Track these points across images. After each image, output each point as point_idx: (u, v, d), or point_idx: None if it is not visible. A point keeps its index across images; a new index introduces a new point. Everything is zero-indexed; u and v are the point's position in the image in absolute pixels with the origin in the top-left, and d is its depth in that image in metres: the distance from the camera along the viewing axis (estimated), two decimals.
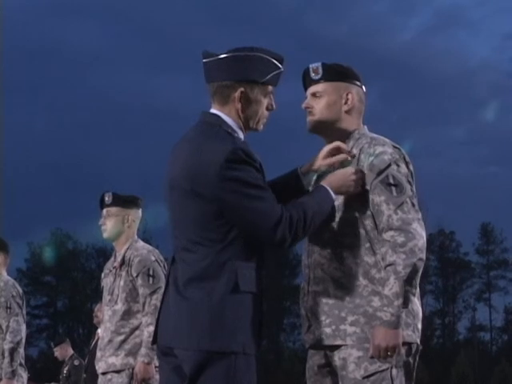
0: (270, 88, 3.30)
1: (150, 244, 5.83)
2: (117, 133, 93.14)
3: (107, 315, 5.51)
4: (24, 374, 6.66)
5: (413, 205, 3.37)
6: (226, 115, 3.26)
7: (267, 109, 3.32)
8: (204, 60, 3.28)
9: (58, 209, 76.74)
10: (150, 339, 5.04)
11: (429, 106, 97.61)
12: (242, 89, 3.24)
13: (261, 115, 3.30)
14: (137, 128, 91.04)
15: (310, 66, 3.57)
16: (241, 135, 3.27)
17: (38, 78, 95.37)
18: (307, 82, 3.60)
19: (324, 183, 3.35)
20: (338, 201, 3.41)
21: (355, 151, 3.48)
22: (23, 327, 6.62)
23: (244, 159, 3.12)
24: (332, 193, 3.31)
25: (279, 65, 3.29)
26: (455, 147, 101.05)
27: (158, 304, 3.43)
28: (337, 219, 3.42)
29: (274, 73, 3.28)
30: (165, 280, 3.32)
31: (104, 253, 53.31)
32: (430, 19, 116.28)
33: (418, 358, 3.48)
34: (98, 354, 5.53)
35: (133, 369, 5.33)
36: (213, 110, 3.29)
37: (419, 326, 3.43)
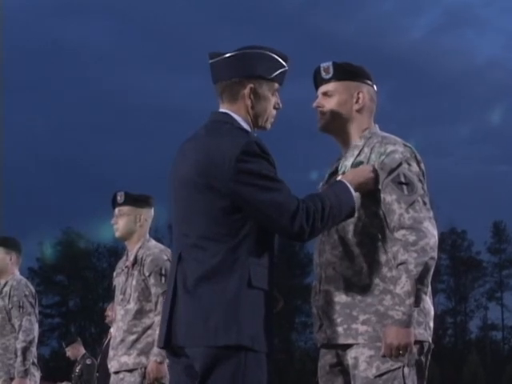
0: (277, 86, 3.30)
1: (161, 243, 5.83)
2: (119, 132, 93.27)
3: (119, 314, 5.51)
4: (37, 373, 6.67)
5: (424, 203, 3.37)
6: (234, 113, 3.25)
7: (274, 107, 3.32)
8: (211, 61, 3.27)
9: (69, 208, 76.93)
10: None
11: (437, 105, 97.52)
12: (252, 85, 3.23)
13: (269, 113, 3.30)
14: (138, 127, 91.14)
15: (321, 65, 3.58)
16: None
17: (38, 78, 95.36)
18: (318, 81, 3.60)
19: (343, 179, 3.33)
20: None
21: (366, 150, 3.48)
22: (36, 326, 6.63)
23: (258, 152, 3.11)
24: (352, 188, 3.28)
25: (284, 63, 3.30)
26: (464, 146, 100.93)
27: None
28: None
29: (281, 70, 3.28)
30: (170, 279, 3.23)
31: (116, 252, 53.37)
32: (439, 18, 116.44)
33: (429, 357, 3.47)
34: (111, 353, 5.54)
35: (145, 368, 5.34)
36: (221, 109, 3.29)
37: (431, 324, 3.43)
